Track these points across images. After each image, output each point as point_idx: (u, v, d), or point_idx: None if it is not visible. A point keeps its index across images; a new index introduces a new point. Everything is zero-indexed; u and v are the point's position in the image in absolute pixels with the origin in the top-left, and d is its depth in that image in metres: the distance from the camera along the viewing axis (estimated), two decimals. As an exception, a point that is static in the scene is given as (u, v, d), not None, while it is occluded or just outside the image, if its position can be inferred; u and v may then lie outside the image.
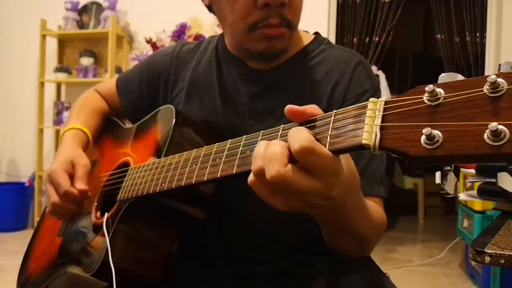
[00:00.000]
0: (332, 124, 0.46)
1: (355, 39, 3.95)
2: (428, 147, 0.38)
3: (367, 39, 3.93)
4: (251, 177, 0.48)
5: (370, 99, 0.44)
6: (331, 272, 0.79)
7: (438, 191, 4.34)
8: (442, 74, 0.40)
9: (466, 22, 3.80)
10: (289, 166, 0.45)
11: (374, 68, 3.72)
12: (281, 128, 0.52)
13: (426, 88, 0.39)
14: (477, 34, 3.72)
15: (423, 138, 0.38)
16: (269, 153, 0.46)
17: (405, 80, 5.96)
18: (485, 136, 0.35)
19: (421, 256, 3.22)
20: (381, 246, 3.29)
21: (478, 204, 2.34)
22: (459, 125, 0.37)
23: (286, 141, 0.47)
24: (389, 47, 4.00)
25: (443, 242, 3.40)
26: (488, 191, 1.06)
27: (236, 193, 0.79)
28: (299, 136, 0.44)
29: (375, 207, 0.70)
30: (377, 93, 0.81)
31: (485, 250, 0.67)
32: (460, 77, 0.39)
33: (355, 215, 0.60)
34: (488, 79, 0.35)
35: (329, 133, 0.46)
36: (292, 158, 0.45)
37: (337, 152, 0.45)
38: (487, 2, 3.22)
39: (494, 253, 0.67)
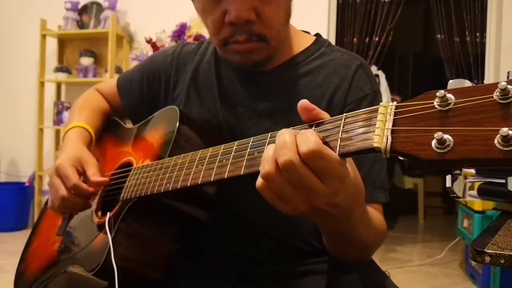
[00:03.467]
0: (343, 127, 0.47)
1: (355, 39, 3.94)
2: (439, 151, 0.39)
3: (367, 39, 3.93)
4: (259, 181, 0.48)
5: (381, 103, 0.44)
6: (330, 271, 0.79)
7: (440, 192, 4.32)
8: (451, 80, 0.41)
9: (466, 22, 3.79)
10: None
11: (374, 68, 3.72)
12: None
13: (437, 94, 0.40)
14: (477, 34, 3.72)
15: (434, 142, 0.39)
16: (280, 142, 0.46)
17: (405, 80, 5.96)
18: (496, 141, 0.36)
19: (421, 256, 3.22)
20: (381, 246, 3.28)
21: (478, 204, 2.34)
22: (469, 130, 0.38)
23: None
24: (389, 47, 3.99)
25: (443, 242, 3.40)
26: (488, 191, 1.06)
27: (236, 193, 0.79)
28: (307, 139, 0.45)
29: (376, 214, 0.71)
30: (377, 97, 0.81)
31: (485, 250, 0.67)
32: (467, 83, 0.40)
33: (360, 225, 0.60)
34: (498, 85, 0.37)
35: (340, 136, 0.46)
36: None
37: (347, 155, 0.46)
38: (487, 2, 3.22)
39: (494, 253, 0.67)
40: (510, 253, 0.66)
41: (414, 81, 6.11)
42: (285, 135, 0.47)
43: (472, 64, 3.79)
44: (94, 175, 0.82)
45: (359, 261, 0.74)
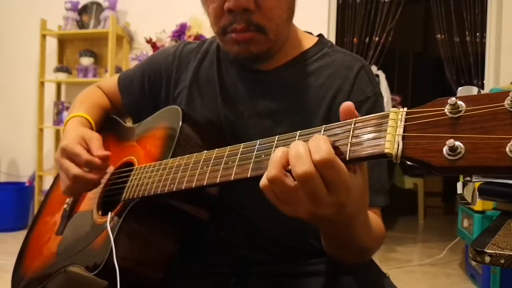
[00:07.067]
0: (352, 132, 0.46)
1: (355, 39, 3.94)
2: (451, 158, 0.39)
3: (367, 39, 3.93)
4: (263, 181, 0.48)
5: (392, 109, 0.45)
6: (330, 272, 0.79)
7: (440, 192, 4.30)
8: (460, 88, 0.41)
9: (466, 22, 3.79)
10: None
11: (374, 68, 3.71)
12: (298, 134, 0.52)
13: (449, 101, 0.40)
14: (477, 34, 3.72)
15: (445, 148, 0.39)
16: (294, 153, 0.46)
17: (405, 80, 5.96)
18: (507, 149, 0.36)
19: (421, 256, 3.23)
20: (381, 246, 3.29)
21: (478, 204, 2.34)
22: (481, 138, 0.38)
23: None
24: (389, 47, 3.99)
25: (443, 242, 3.40)
26: (488, 191, 1.06)
27: (238, 194, 0.79)
28: (320, 147, 0.45)
29: (375, 218, 0.71)
30: (379, 100, 0.81)
31: (485, 250, 0.67)
32: (475, 90, 0.41)
33: (360, 230, 0.60)
34: (510, 94, 0.37)
35: (350, 141, 0.46)
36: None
37: (357, 160, 0.46)
38: (487, 2, 3.22)
39: (494, 253, 0.66)
40: (510, 253, 0.66)
41: (414, 81, 6.11)
42: (299, 145, 0.47)
43: (472, 64, 3.79)
44: (98, 149, 0.80)
45: (356, 263, 0.74)
